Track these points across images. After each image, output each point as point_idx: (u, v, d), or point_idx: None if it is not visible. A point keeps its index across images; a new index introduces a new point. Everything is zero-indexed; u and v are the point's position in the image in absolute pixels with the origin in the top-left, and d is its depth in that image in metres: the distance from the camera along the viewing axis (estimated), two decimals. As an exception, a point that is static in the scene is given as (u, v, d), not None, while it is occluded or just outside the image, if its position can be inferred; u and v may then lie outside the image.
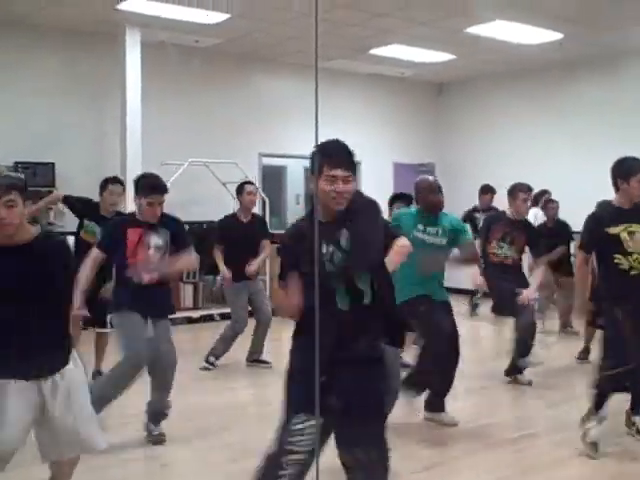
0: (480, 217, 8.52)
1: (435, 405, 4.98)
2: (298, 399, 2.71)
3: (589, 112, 10.63)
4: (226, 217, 6.85)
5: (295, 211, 12.40)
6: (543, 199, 9.01)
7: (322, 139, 9.41)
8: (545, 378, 6.24)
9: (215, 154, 9.62)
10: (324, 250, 2.74)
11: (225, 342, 6.57)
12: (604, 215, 4.49)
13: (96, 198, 5.98)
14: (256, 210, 10.39)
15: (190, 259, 4.58)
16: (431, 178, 4.96)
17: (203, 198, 9.52)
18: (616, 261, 4.29)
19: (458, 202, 10.04)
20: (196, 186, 9.43)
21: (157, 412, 4.54)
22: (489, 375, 6.33)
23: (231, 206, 9.72)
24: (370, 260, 2.77)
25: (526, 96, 11.48)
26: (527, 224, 6.22)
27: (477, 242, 6.23)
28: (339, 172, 2.80)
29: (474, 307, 9.79)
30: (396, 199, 5.98)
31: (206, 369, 6.49)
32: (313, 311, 2.14)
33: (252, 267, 6.46)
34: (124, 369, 4.32)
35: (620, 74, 10.37)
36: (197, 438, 4.64)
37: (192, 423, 4.93)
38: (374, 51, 10.16)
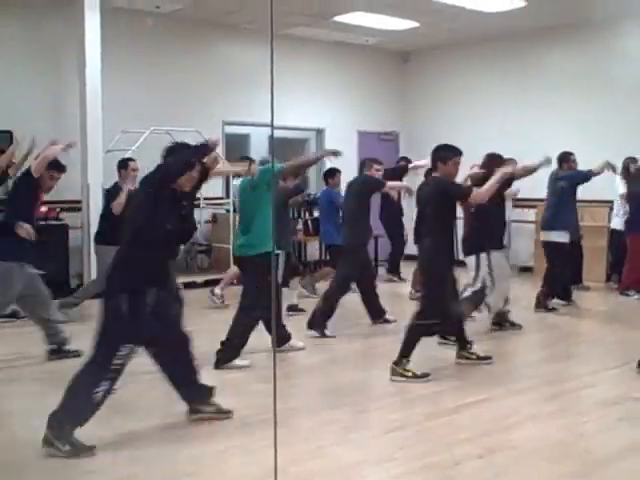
0: None
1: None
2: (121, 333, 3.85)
3: (555, 80, 10.72)
4: (116, 185, 7.20)
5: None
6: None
7: (285, 107, 9.59)
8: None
9: (178, 122, 9.50)
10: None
11: (86, 291, 7.20)
12: None
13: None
14: (220, 179, 10.47)
15: None
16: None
17: (166, 167, 9.43)
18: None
19: (422, 170, 10.11)
20: (158, 155, 9.29)
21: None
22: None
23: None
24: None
25: (491, 65, 11.52)
26: None
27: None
28: None
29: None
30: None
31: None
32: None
33: None
34: None
35: (585, 42, 10.47)
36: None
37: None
38: (338, 18, 10.08)
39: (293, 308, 7.51)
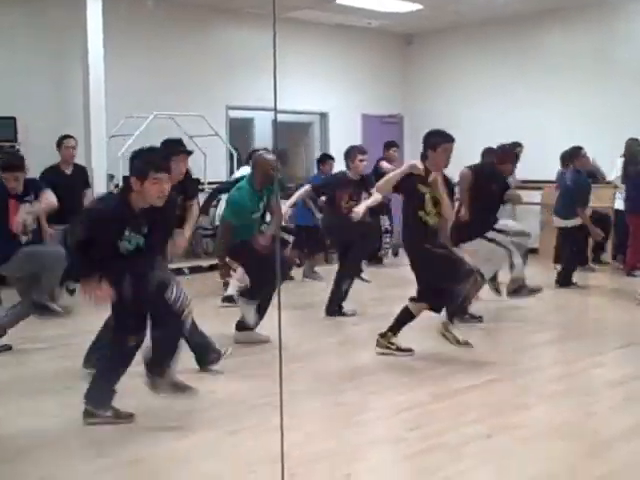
0: None
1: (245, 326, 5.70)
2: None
3: (558, 63, 10.66)
4: (49, 168, 7.16)
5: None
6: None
7: (289, 91, 9.54)
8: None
9: (181, 107, 9.49)
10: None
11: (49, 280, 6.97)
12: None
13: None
14: (224, 163, 10.46)
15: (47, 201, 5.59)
16: (270, 156, 5.64)
17: (170, 152, 9.42)
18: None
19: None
20: (162, 139, 9.28)
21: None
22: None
23: (199, 160, 9.67)
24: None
25: (495, 47, 11.46)
26: (363, 178, 6.77)
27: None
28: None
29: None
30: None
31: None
32: None
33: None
34: None
35: (589, 23, 10.42)
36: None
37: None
38: (340, 1, 10.02)
39: (228, 299, 7.22)
